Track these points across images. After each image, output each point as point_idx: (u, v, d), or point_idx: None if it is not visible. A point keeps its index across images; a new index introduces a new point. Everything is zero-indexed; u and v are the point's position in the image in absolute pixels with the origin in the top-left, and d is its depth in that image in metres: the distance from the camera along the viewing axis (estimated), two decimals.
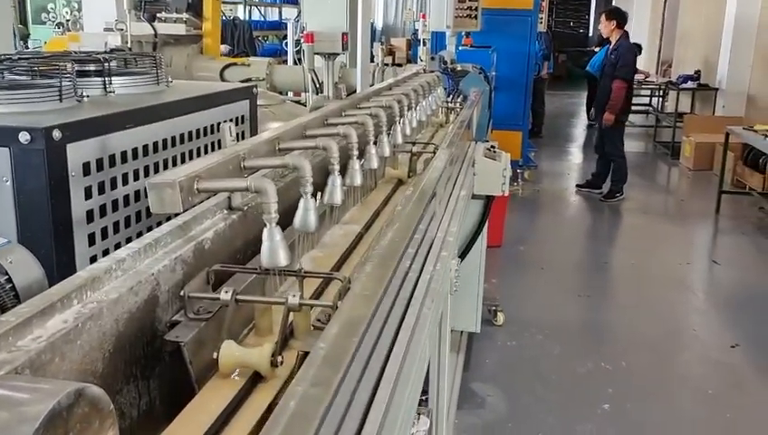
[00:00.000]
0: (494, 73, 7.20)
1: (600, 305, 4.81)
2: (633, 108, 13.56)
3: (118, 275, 1.15)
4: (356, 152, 1.95)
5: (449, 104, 4.29)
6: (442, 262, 2.18)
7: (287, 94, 6.78)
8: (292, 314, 1.26)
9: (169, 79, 2.62)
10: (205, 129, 2.59)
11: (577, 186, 7.78)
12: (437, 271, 2.08)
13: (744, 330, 4.44)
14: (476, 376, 3.74)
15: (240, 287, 1.34)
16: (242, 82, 6.15)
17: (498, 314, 4.36)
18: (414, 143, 2.86)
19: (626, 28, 12.63)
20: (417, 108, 3.26)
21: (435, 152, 2.73)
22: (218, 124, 2.64)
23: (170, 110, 2.28)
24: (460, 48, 7.04)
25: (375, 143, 2.19)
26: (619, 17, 7.74)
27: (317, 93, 5.13)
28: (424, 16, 6.15)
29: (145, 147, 2.16)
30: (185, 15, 6.26)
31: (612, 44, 7.50)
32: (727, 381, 3.83)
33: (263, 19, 15.72)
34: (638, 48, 12.54)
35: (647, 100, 14.23)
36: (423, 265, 2.01)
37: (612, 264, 5.63)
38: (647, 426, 3.40)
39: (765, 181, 7.44)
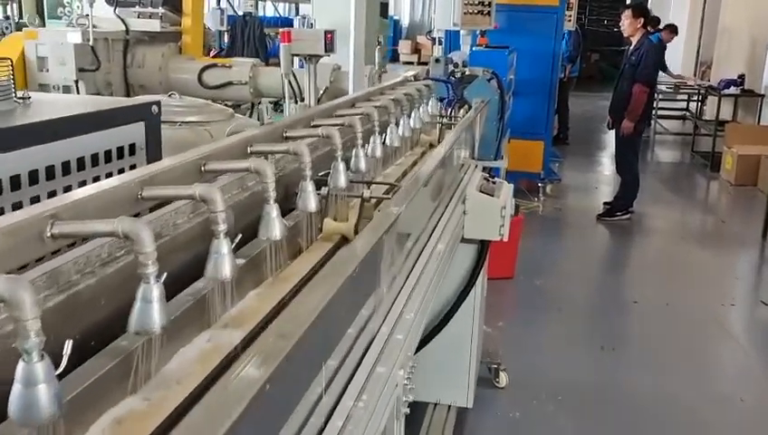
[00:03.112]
0: (512, 77, 6.42)
1: (627, 361, 4.00)
2: (668, 113, 12.69)
3: None
4: (222, 226, 1.21)
5: (444, 119, 3.53)
6: (374, 383, 1.44)
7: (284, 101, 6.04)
8: None
9: (24, 95, 1.90)
10: (72, 163, 1.87)
11: (598, 216, 6.82)
12: (363, 401, 1.35)
13: None
14: None
15: None
16: (222, 85, 5.46)
17: (500, 373, 3.60)
18: (370, 183, 2.11)
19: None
20: (390, 130, 2.53)
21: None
22: (90, 157, 1.93)
23: None
24: (474, 49, 6.25)
25: (275, 201, 1.44)
26: (647, 15, 6.88)
27: (296, 101, 4.41)
28: None
29: None
30: (160, 10, 5.58)
31: (634, 44, 6.66)
32: None
33: (277, 15, 15.10)
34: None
35: (683, 104, 13.24)
36: (339, 398, 1.29)
37: (643, 304, 4.81)
38: None
39: None
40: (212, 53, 8.59)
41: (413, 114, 2.96)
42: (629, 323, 4.58)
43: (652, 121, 11.02)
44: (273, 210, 1.42)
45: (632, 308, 4.78)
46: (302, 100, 4.39)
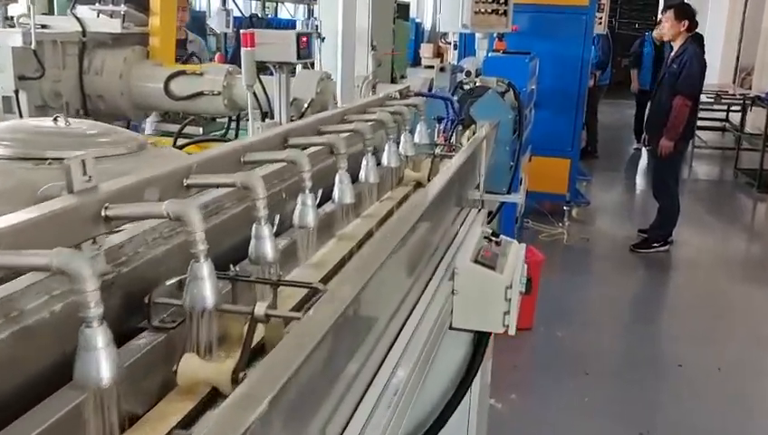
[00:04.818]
0: (533, 87, 5.58)
1: None
2: (706, 124, 11.64)
3: None
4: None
5: (439, 148, 2.73)
6: None
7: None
8: None
9: None
10: None
11: (632, 247, 5.94)
12: None
13: None
14: None
15: None
16: (191, 96, 4.67)
17: None
18: (278, 283, 1.30)
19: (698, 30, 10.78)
20: (340, 179, 1.73)
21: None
22: None
23: None
24: (490, 55, 5.42)
25: None
26: (692, 18, 5.95)
27: (263, 118, 3.62)
28: None
29: None
30: (122, 8, 4.81)
31: (675, 50, 5.76)
32: None
33: (290, 17, 14.39)
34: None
35: (722, 114, 12.14)
36: None
37: (689, 368, 3.93)
38: None
39: None
40: (217, 58, 7.83)
41: (387, 147, 2.16)
42: (673, 398, 3.69)
43: None
44: None
45: (676, 374, 3.90)
46: (271, 116, 3.61)
